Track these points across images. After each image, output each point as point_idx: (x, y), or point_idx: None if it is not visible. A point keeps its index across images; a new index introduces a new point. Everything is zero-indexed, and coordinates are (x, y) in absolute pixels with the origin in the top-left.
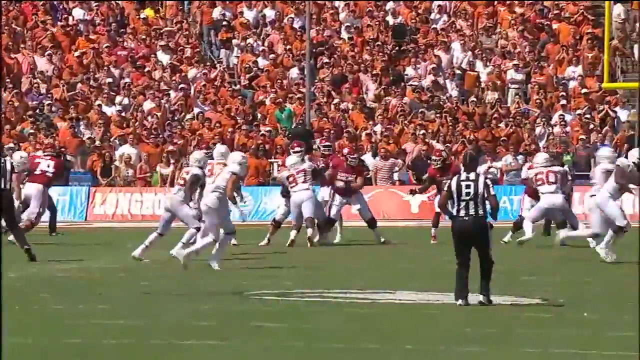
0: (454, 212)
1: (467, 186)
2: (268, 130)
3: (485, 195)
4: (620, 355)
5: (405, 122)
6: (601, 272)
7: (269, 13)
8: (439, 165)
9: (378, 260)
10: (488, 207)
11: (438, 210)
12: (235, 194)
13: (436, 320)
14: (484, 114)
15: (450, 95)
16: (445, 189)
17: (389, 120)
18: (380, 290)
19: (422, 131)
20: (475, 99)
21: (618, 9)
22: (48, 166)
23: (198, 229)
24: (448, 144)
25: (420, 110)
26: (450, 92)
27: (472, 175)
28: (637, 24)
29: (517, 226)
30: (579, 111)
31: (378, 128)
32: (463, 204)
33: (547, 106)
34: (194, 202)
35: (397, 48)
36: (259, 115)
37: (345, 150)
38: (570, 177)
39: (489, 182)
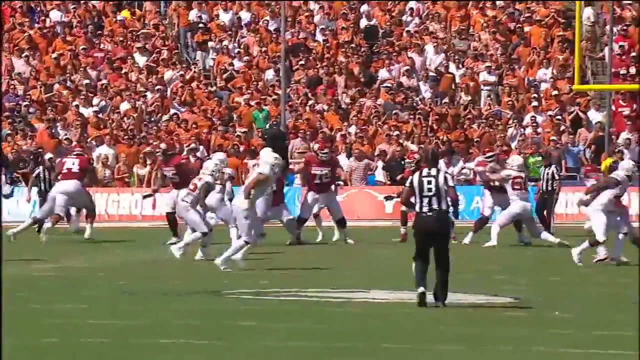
0: (417, 208)
1: (429, 182)
2: (244, 131)
3: (445, 188)
4: (591, 353)
5: (380, 123)
6: (572, 272)
7: (245, 15)
8: (413, 168)
9: (353, 260)
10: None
11: (404, 209)
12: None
13: (411, 320)
14: (457, 115)
15: (423, 97)
16: (408, 184)
17: (363, 121)
18: (355, 289)
19: (396, 132)
20: (448, 101)
21: (588, 12)
22: (73, 164)
23: (205, 234)
24: (421, 145)
25: (394, 112)
26: (424, 93)
27: (433, 171)
28: (607, 27)
29: (478, 226)
30: (550, 112)
31: (353, 129)
32: (426, 199)
33: (519, 108)
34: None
35: (369, 50)
36: (235, 117)
37: (316, 146)
38: (557, 177)
39: (447, 175)
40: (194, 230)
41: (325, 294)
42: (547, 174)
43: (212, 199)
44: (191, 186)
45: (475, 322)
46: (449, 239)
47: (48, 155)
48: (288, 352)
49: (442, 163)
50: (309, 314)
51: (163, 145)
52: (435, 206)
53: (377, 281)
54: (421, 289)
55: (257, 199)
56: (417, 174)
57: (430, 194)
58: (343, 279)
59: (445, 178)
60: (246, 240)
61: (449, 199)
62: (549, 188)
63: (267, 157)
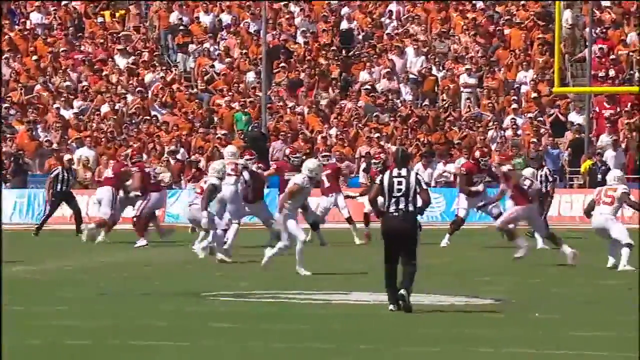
0: (385, 208)
1: (399, 182)
2: (224, 133)
3: (418, 190)
4: (571, 355)
5: (360, 125)
6: (554, 273)
7: (225, 18)
8: (380, 168)
9: (333, 262)
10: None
11: (366, 210)
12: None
13: (390, 321)
14: (438, 117)
15: (404, 100)
16: (377, 182)
17: (344, 123)
18: (335, 291)
19: (377, 134)
20: (428, 103)
21: (567, 14)
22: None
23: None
24: (404, 146)
25: (374, 114)
26: (405, 96)
27: (403, 172)
28: (587, 30)
29: (454, 228)
30: (530, 115)
31: (333, 131)
32: (394, 200)
33: (499, 110)
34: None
35: (346, 53)
36: (216, 119)
37: (287, 151)
38: (551, 179)
39: (420, 177)
40: (206, 232)
41: (305, 295)
42: (541, 175)
43: (227, 191)
44: (198, 189)
45: (453, 324)
46: (416, 240)
47: (67, 157)
48: (267, 354)
49: (420, 165)
50: (289, 316)
51: (128, 152)
52: (402, 207)
53: (358, 283)
54: (391, 307)
55: (293, 207)
56: (387, 174)
57: (399, 194)
58: (323, 280)
59: (418, 179)
60: (286, 244)
61: (420, 200)
62: (543, 190)
63: (309, 164)
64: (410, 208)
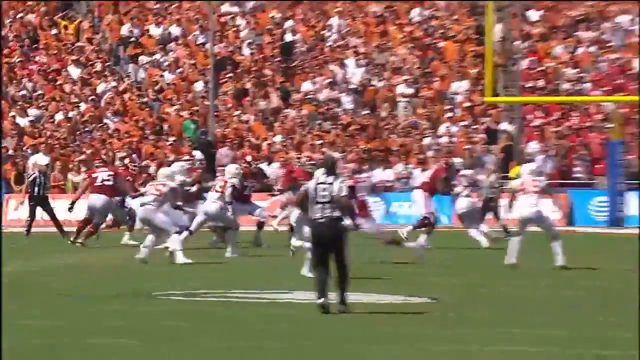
0: (311, 214)
1: (324, 189)
2: (174, 140)
3: (339, 196)
4: (503, 350)
5: (304, 133)
6: (493, 273)
7: (175, 30)
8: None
9: (278, 262)
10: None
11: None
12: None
13: (333, 320)
14: (377, 125)
15: (345, 108)
16: (302, 190)
17: (287, 131)
18: (280, 290)
19: (320, 141)
20: (368, 112)
21: (498, 28)
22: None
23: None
24: (344, 153)
25: (317, 122)
26: (346, 105)
27: (329, 179)
28: (517, 43)
29: (424, 227)
30: (463, 123)
31: (278, 138)
32: (319, 206)
33: (434, 118)
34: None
35: (289, 64)
36: (165, 127)
37: (249, 158)
38: (497, 185)
39: (343, 185)
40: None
41: (252, 294)
42: (489, 182)
43: (210, 207)
44: (219, 189)
45: (386, 322)
46: (344, 245)
47: (45, 161)
48: (216, 353)
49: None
50: (236, 316)
51: (82, 157)
52: (327, 213)
53: (301, 282)
54: (320, 300)
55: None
56: (313, 181)
57: (324, 200)
58: (269, 279)
59: (341, 187)
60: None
61: (345, 207)
62: (491, 195)
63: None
64: (335, 214)
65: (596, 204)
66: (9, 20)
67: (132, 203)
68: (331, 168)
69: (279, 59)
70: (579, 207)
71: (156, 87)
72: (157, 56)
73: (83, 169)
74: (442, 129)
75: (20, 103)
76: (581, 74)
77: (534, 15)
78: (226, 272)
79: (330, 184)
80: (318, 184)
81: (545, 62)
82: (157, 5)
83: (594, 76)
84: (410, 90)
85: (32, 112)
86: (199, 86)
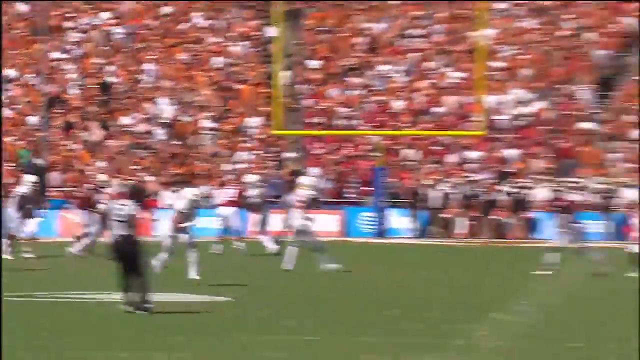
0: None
1: (120, 209)
2: (12, 165)
3: (129, 217)
4: (267, 340)
5: (124, 159)
6: (283, 276)
7: (12, 73)
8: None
9: (92, 264)
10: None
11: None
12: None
13: (126, 319)
14: (185, 153)
15: (158, 139)
16: (101, 211)
17: (110, 158)
18: (107, 291)
19: (137, 166)
20: (179, 142)
21: (285, 74)
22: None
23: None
24: (158, 177)
25: (135, 150)
26: (159, 136)
27: (125, 202)
28: (302, 86)
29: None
30: (256, 152)
31: (102, 164)
32: (116, 224)
33: (233, 148)
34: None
35: (109, 101)
36: (5, 155)
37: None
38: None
39: (134, 209)
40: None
41: (85, 296)
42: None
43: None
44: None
45: (184, 319)
46: (139, 257)
47: None
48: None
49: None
50: (70, 315)
51: None
52: (122, 231)
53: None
54: (125, 308)
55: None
56: (111, 203)
57: (119, 219)
58: (82, 282)
59: (132, 209)
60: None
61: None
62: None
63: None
64: (128, 232)
65: (365, 219)
66: None
67: None
68: (131, 194)
69: (101, 97)
70: (351, 221)
71: None
72: None
73: None
74: (238, 156)
75: None
76: (352, 112)
77: (314, 63)
78: (33, 274)
79: (126, 206)
80: (115, 206)
81: (323, 102)
82: None
83: (362, 114)
84: (213, 125)
85: None
86: (33, 120)
